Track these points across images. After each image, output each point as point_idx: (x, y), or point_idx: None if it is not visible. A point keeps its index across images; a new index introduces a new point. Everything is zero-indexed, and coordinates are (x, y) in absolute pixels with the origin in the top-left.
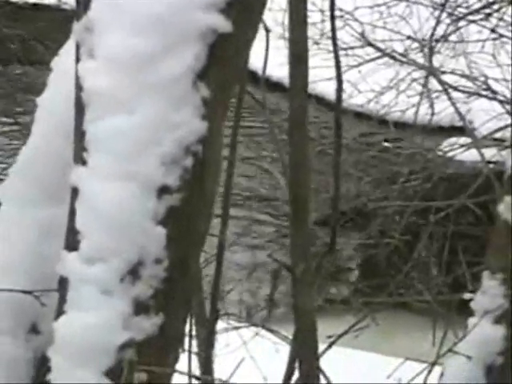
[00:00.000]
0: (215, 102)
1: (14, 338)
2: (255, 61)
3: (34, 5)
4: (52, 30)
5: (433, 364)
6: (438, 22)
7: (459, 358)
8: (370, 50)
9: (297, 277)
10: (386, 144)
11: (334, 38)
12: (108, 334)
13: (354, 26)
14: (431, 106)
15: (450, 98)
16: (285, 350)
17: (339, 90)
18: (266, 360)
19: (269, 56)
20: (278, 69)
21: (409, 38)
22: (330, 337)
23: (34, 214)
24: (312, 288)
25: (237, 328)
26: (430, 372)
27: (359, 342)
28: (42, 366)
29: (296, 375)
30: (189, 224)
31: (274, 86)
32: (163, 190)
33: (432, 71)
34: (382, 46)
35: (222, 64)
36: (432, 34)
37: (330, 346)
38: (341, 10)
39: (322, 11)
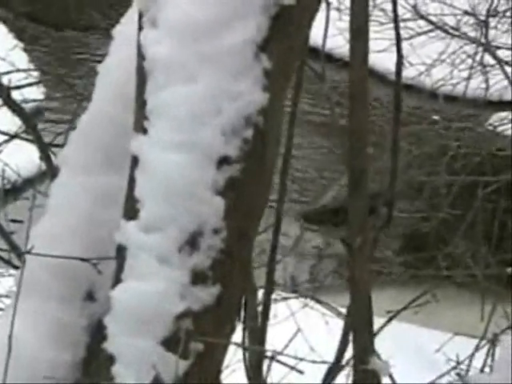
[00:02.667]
0: (277, 73)
1: (70, 305)
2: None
3: None
4: None
5: (489, 341)
6: None
7: None
8: (421, 22)
9: (354, 250)
10: (435, 117)
11: (395, 15)
12: (165, 303)
13: None
14: (486, 80)
15: (504, 73)
16: (333, 322)
17: (399, 63)
18: (314, 332)
19: (317, 27)
20: (330, 40)
21: (465, 12)
22: (389, 312)
23: (93, 180)
24: (368, 261)
25: (285, 299)
26: (478, 348)
27: (404, 316)
28: (97, 333)
29: (350, 349)
30: (248, 195)
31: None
32: (223, 161)
33: (487, 46)
34: (433, 18)
35: (285, 36)
36: (488, 10)
37: (388, 321)
38: None
39: None
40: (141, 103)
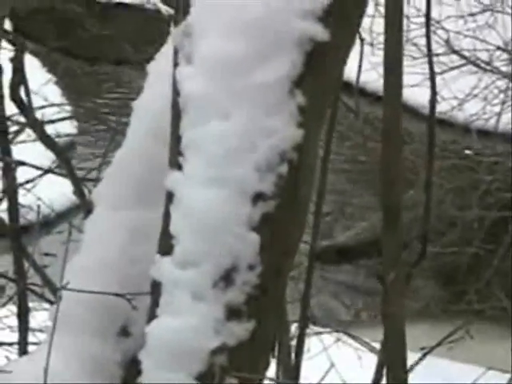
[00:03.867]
0: (311, 109)
1: (104, 340)
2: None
3: (118, 4)
4: (137, 30)
5: None
6: None
7: None
8: (454, 57)
9: (387, 285)
10: (467, 152)
11: (429, 49)
12: (200, 338)
13: (439, 33)
14: None
15: None
16: (366, 357)
17: (433, 98)
18: (347, 367)
19: (357, 63)
20: (363, 74)
21: (498, 48)
22: (422, 348)
23: (127, 216)
24: (402, 296)
25: (319, 333)
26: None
27: (437, 350)
28: (131, 368)
29: None
30: (282, 231)
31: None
32: (258, 197)
33: None
34: (466, 53)
35: (319, 72)
36: None
37: (423, 358)
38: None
39: (406, 17)
40: (176, 139)
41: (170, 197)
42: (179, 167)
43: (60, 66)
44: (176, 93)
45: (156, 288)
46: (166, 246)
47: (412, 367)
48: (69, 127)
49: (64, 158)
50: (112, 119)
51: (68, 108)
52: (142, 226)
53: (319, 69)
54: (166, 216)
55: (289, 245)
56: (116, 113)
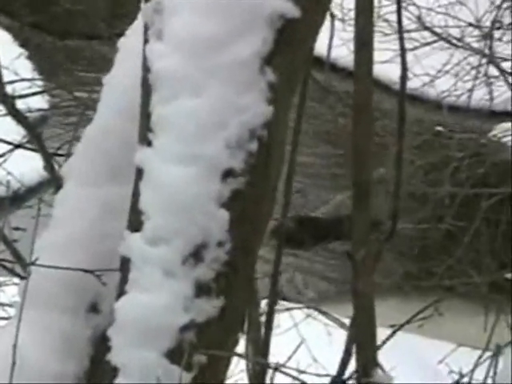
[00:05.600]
0: (282, 86)
1: (74, 316)
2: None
3: None
4: (109, 5)
5: (492, 352)
6: (500, 8)
7: None
8: (425, 33)
9: (357, 261)
10: (439, 128)
11: (400, 26)
12: (169, 315)
13: (410, 9)
14: (490, 91)
15: (508, 84)
16: (336, 333)
17: (403, 74)
18: (317, 343)
19: (327, 39)
20: (334, 50)
21: (470, 24)
22: (392, 325)
23: (98, 192)
24: (372, 273)
25: (289, 309)
26: (480, 359)
27: (408, 326)
28: (101, 345)
29: (352, 361)
30: (252, 208)
31: (330, 67)
32: (228, 173)
33: (491, 58)
34: (437, 29)
35: (290, 49)
36: (493, 22)
37: (391, 335)
38: None
39: None
40: (145, 115)
41: (139, 173)
42: (149, 143)
43: (32, 40)
44: (146, 69)
45: (125, 264)
46: (135, 222)
47: (381, 344)
48: (40, 102)
49: (35, 133)
50: (83, 95)
51: (39, 83)
52: (113, 202)
53: (290, 46)
54: (136, 193)
55: (258, 221)
56: (87, 88)
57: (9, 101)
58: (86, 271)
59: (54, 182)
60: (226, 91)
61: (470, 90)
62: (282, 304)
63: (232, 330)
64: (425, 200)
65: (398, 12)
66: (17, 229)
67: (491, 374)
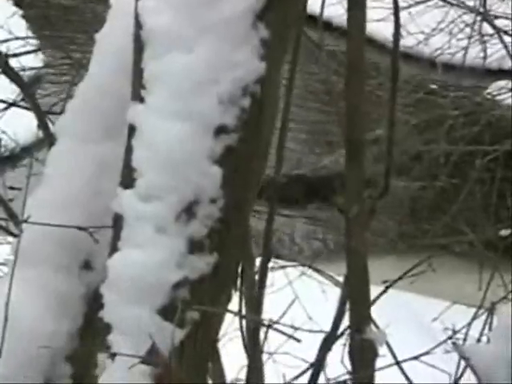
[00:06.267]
0: (274, 42)
1: (68, 274)
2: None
3: None
4: None
5: (487, 310)
6: None
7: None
8: None
9: (350, 218)
10: (433, 86)
11: None
12: (162, 271)
13: None
14: (484, 50)
15: (502, 42)
16: (331, 290)
17: (397, 32)
18: (311, 300)
19: None
20: (328, 8)
21: None
22: (385, 281)
23: (91, 149)
24: (365, 230)
25: (283, 267)
26: (475, 317)
27: (402, 284)
28: (94, 302)
29: (346, 318)
30: (245, 164)
31: (324, 25)
32: (220, 130)
33: (485, 15)
34: None
35: (282, 5)
36: None
37: (384, 291)
38: None
39: None
40: (138, 72)
41: (131, 130)
42: (141, 100)
43: None
44: (138, 26)
45: (118, 221)
46: (127, 179)
47: (374, 300)
48: (34, 61)
49: (29, 91)
50: (77, 54)
51: (34, 41)
52: (107, 159)
53: (282, 2)
54: (128, 149)
55: (251, 178)
56: (82, 47)
57: (2, 59)
58: (79, 228)
59: (48, 140)
60: (218, 47)
61: (465, 48)
62: (276, 262)
63: (225, 287)
64: (419, 158)
65: None
66: (12, 188)
67: (486, 331)
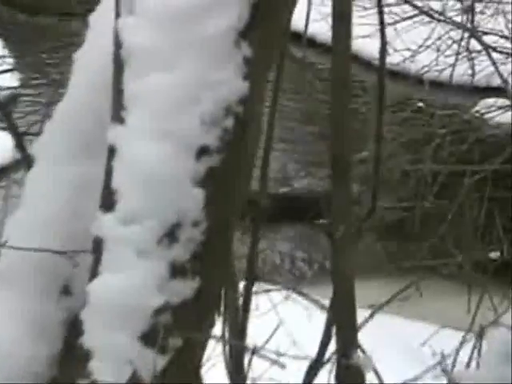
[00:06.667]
0: (258, 61)
1: (47, 299)
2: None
3: None
4: None
5: (476, 334)
6: None
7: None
8: (406, 7)
9: (336, 240)
10: (420, 104)
11: (379, 1)
12: (143, 297)
13: None
14: (472, 67)
15: (491, 59)
16: (317, 315)
17: (383, 49)
18: (296, 325)
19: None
20: (312, 25)
21: None
22: (372, 305)
23: (70, 170)
24: (352, 252)
25: (267, 291)
26: (464, 341)
27: (390, 308)
28: (73, 328)
29: (333, 343)
30: (228, 186)
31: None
32: (202, 151)
33: (473, 32)
34: (418, 3)
35: (266, 23)
36: None
37: (371, 316)
38: None
39: None
40: (118, 92)
41: (111, 151)
42: (121, 121)
43: (3, 17)
44: (118, 45)
45: (98, 245)
46: (108, 201)
47: (361, 325)
48: (11, 80)
49: (5, 111)
50: (55, 72)
51: (10, 60)
52: (87, 181)
53: (266, 19)
54: (108, 171)
55: (234, 199)
56: (59, 67)
57: None
58: (57, 252)
59: (25, 161)
60: (199, 66)
61: (452, 65)
62: (260, 286)
63: (208, 312)
64: (406, 178)
65: None
66: None
67: (475, 355)
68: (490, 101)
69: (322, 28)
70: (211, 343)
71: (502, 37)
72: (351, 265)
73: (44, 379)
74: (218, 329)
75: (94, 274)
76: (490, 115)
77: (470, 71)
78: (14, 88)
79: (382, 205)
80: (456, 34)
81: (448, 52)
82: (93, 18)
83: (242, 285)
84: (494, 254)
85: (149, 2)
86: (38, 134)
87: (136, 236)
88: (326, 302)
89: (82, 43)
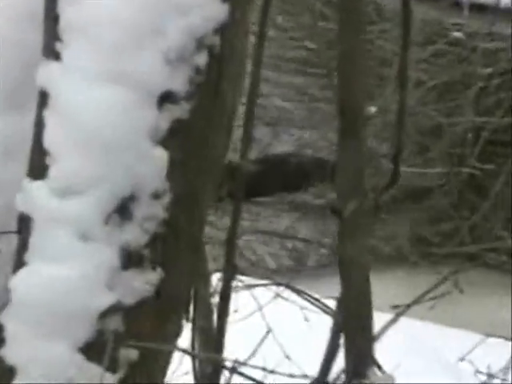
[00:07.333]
0: None
1: None
2: None
3: None
4: None
5: None
6: None
7: None
8: None
9: (345, 219)
10: (457, 34)
11: None
12: (86, 294)
13: None
14: None
15: None
16: (317, 319)
17: None
18: (290, 332)
19: None
20: None
21: None
22: (394, 307)
23: None
24: (366, 235)
25: (251, 286)
26: None
27: (417, 310)
28: None
29: (340, 357)
30: (200, 145)
31: None
32: (166, 98)
33: None
34: None
35: None
36: None
37: (394, 321)
38: None
39: None
40: (51, 19)
41: (43, 98)
42: (56, 57)
43: None
44: None
45: (24, 224)
46: (38, 166)
47: (379, 333)
48: None
49: None
50: None
51: None
52: (8, 138)
53: None
54: (39, 124)
55: (209, 164)
56: None
57: None
58: None
59: None
60: None
61: None
62: (241, 280)
63: (172, 315)
64: (439, 135)
65: None
66: None
67: None
68: None
69: None
70: (176, 356)
71: None
72: (365, 251)
73: None
74: (185, 337)
75: (19, 263)
76: None
77: None
78: None
79: (406, 170)
80: None
81: None
82: None
83: (216, 278)
84: None
85: None
86: None
87: (75, 212)
88: (331, 302)
89: None
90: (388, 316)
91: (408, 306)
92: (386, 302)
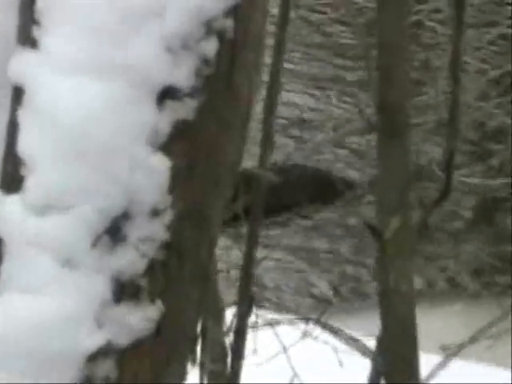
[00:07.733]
0: None
1: None
2: None
3: None
4: None
5: None
6: None
7: None
8: None
9: (386, 240)
10: None
11: None
12: (71, 333)
13: None
14: None
15: None
16: (352, 361)
17: None
18: (319, 376)
19: None
20: None
21: None
22: (445, 347)
23: None
24: (411, 260)
25: (273, 324)
26: None
27: (474, 350)
28: None
29: None
30: (209, 150)
31: None
32: (167, 94)
33: None
34: None
35: None
36: None
37: (445, 362)
38: None
39: None
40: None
41: (17, 94)
42: (33, 44)
43: None
44: None
45: None
46: (11, 177)
47: (427, 378)
48: None
49: None
50: None
51: None
52: None
53: None
54: (12, 125)
55: (219, 174)
56: None
57: None
58: None
59: None
60: None
61: None
62: (261, 314)
63: (175, 357)
64: (501, 139)
65: None
66: None
67: None
68: None
69: None
70: None
71: None
72: (410, 280)
73: None
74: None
75: None
76: None
77: None
78: None
79: (461, 181)
80: None
81: None
82: None
83: (231, 313)
84: None
85: None
86: None
87: (57, 234)
88: (370, 341)
89: None
90: (437, 357)
91: (461, 346)
92: (435, 341)
